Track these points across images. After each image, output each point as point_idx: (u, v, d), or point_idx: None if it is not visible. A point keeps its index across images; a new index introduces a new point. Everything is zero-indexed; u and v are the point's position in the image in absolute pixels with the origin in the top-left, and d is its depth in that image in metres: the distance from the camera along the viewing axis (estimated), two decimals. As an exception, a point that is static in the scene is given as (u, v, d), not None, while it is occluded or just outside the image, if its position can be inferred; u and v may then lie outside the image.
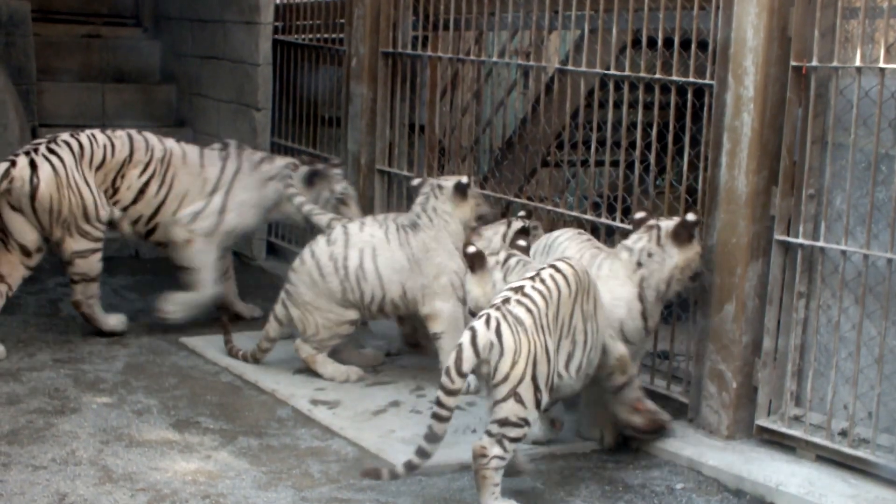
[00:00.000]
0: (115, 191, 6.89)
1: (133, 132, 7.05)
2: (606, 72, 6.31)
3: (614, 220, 6.25)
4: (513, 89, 8.20)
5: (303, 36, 8.98)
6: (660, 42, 5.91)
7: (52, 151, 6.69)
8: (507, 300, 4.71)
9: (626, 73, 6.14)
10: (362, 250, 6.21)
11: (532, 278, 4.83)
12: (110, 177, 6.86)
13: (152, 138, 7.08)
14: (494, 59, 7.63)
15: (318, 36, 8.78)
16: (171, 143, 7.15)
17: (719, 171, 5.50)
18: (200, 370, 6.46)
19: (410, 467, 4.65)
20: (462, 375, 4.53)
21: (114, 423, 5.57)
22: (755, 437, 5.47)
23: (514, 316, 4.66)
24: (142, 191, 6.93)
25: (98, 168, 6.80)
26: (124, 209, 6.94)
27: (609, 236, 6.32)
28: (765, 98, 5.32)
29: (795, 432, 5.31)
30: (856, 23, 5.18)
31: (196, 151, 7.19)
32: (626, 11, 6.17)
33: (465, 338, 4.57)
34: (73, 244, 6.74)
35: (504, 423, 4.62)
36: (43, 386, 6.04)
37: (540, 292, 4.76)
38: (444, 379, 4.53)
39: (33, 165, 6.62)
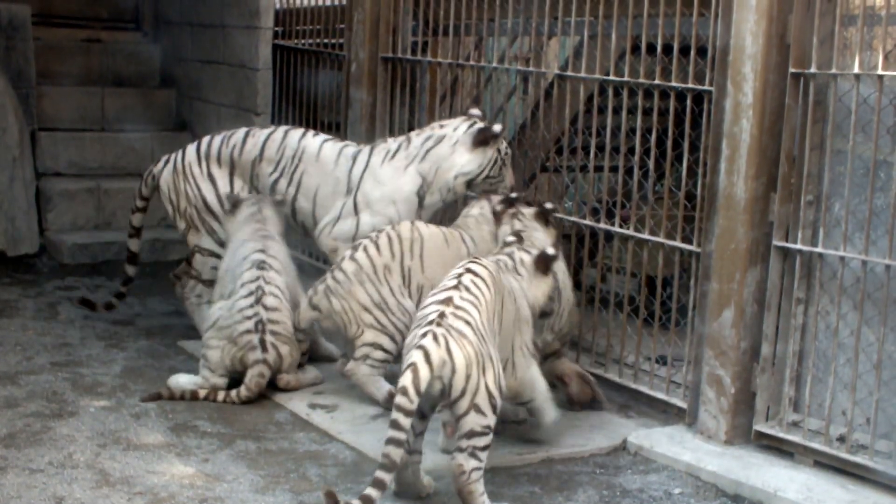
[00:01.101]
0: None
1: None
2: (606, 77, 6.32)
3: (613, 225, 6.26)
4: (512, 95, 8.20)
5: (303, 41, 8.99)
6: (659, 48, 5.92)
7: None
8: (443, 315, 4.67)
9: (626, 78, 6.15)
10: None
11: (456, 287, 4.83)
12: None
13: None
14: (494, 64, 7.63)
15: (318, 41, 8.79)
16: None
17: (718, 177, 5.50)
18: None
19: (367, 501, 4.40)
20: (419, 395, 4.46)
21: (111, 427, 5.56)
22: (753, 442, 5.47)
23: (457, 329, 4.63)
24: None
25: None
26: None
27: (608, 241, 6.33)
28: (763, 104, 5.33)
29: (794, 438, 5.31)
30: (854, 30, 5.18)
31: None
32: (625, 17, 6.17)
33: (419, 356, 4.51)
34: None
35: (471, 435, 4.63)
36: (40, 389, 6.04)
37: (470, 301, 4.77)
38: (400, 399, 4.44)
39: None
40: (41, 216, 9.05)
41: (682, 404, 5.80)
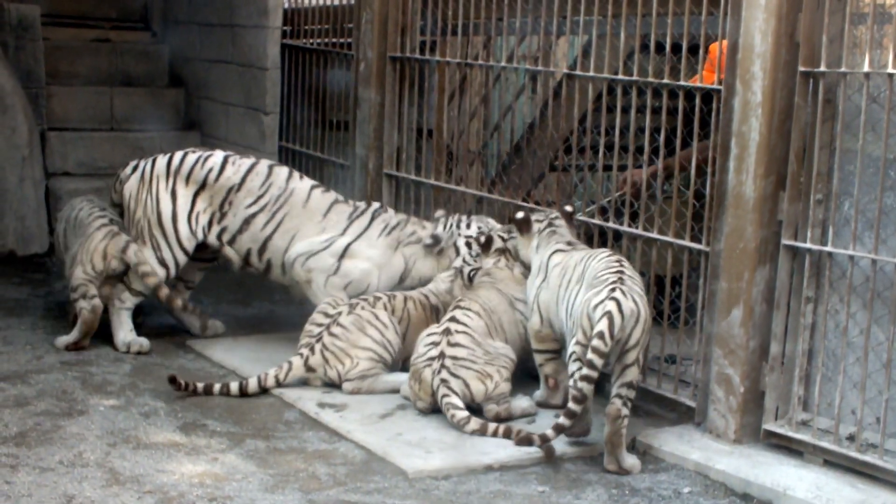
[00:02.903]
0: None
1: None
2: (614, 77, 6.32)
3: (621, 224, 6.25)
4: (521, 94, 8.20)
5: (311, 40, 8.99)
6: (668, 47, 5.92)
7: None
8: (621, 278, 5.37)
9: (634, 77, 6.14)
10: None
11: (610, 256, 5.65)
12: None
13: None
14: (503, 63, 7.63)
15: (327, 40, 8.79)
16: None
17: (727, 175, 5.50)
18: (207, 372, 6.47)
19: (559, 429, 5.29)
20: (613, 340, 5.18)
21: (121, 426, 5.58)
22: (763, 441, 5.47)
23: (636, 290, 5.37)
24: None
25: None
26: None
27: (616, 241, 6.33)
28: (773, 103, 5.32)
29: (803, 437, 5.30)
30: (864, 28, 5.18)
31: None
32: (634, 16, 6.17)
33: (612, 306, 5.21)
34: None
35: (630, 386, 5.30)
36: (50, 388, 6.05)
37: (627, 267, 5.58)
38: (597, 342, 5.16)
39: None
40: (51, 216, 9.06)
41: (691, 403, 5.79)
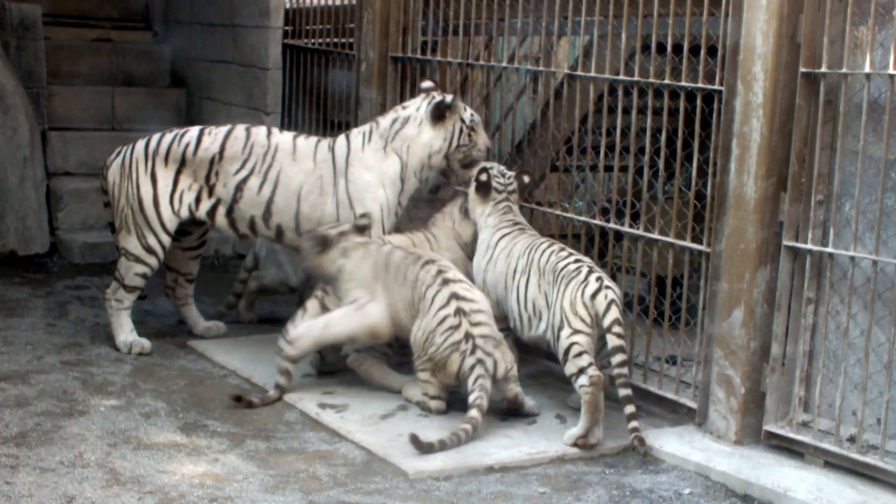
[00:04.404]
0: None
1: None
2: (616, 77, 6.32)
3: (623, 225, 6.25)
4: (522, 94, 8.19)
5: (312, 40, 8.99)
6: (669, 48, 5.91)
7: None
8: (583, 264, 5.80)
9: (636, 78, 6.14)
10: None
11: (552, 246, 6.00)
12: None
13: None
14: (504, 64, 7.63)
15: (328, 40, 8.80)
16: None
17: (728, 176, 5.50)
18: (208, 373, 6.47)
19: (634, 416, 5.59)
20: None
21: (122, 426, 5.58)
22: (763, 442, 5.47)
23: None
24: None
25: None
26: None
27: (618, 242, 6.33)
28: (774, 104, 5.32)
29: (804, 438, 5.30)
30: (865, 29, 5.17)
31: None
32: (635, 17, 6.17)
33: (612, 294, 5.65)
34: None
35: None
36: (51, 388, 6.06)
37: None
38: (619, 329, 5.58)
39: None
40: (52, 216, 9.08)
41: (692, 404, 5.79)
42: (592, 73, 6.48)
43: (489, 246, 6.23)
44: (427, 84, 6.78)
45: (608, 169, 6.56)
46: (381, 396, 6.10)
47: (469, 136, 6.58)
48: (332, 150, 6.62)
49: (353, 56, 8.12)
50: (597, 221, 6.44)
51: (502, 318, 6.14)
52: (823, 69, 5.21)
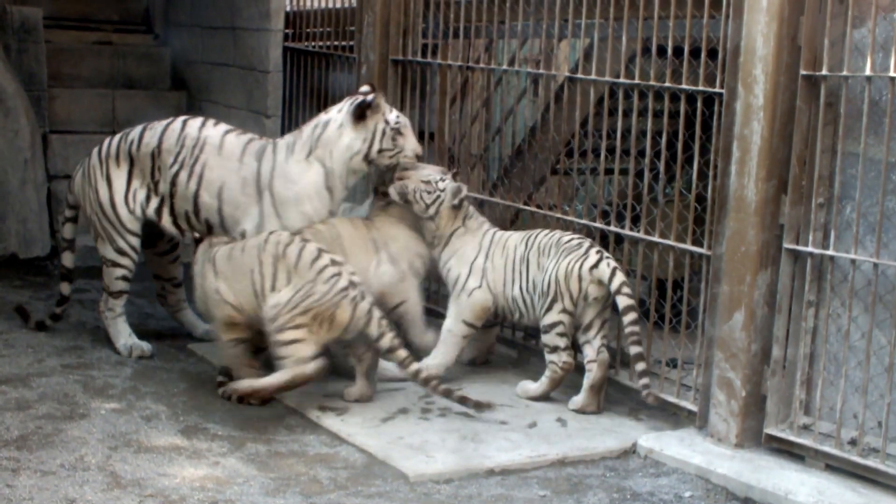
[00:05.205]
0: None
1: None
2: (616, 80, 6.32)
3: (623, 228, 6.25)
4: (522, 97, 8.19)
5: (313, 43, 8.99)
6: (669, 50, 5.91)
7: None
8: (584, 240, 6.16)
9: (636, 81, 6.14)
10: None
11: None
12: None
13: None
14: (504, 66, 7.63)
15: (329, 43, 8.80)
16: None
17: (729, 179, 5.50)
18: (209, 376, 6.46)
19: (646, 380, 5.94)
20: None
21: (122, 429, 5.57)
22: (764, 445, 5.46)
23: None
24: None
25: None
26: None
27: (618, 245, 6.32)
28: (774, 106, 5.32)
29: (805, 441, 5.30)
30: (866, 31, 5.17)
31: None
32: (635, 20, 6.16)
33: (614, 263, 5.98)
34: None
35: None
36: (52, 391, 6.05)
37: None
38: (628, 290, 5.92)
39: None
40: (52, 219, 9.06)
41: (693, 407, 5.78)
42: (593, 76, 6.48)
43: (482, 247, 6.38)
44: (364, 87, 6.66)
45: (608, 172, 6.56)
46: (382, 400, 6.10)
47: (393, 139, 6.37)
48: (258, 159, 6.44)
49: (354, 59, 8.12)
50: (597, 224, 6.44)
51: (493, 316, 6.44)
52: (824, 71, 5.21)
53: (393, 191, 6.41)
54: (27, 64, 9.34)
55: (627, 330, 5.85)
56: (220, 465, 5.20)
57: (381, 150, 6.37)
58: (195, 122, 6.66)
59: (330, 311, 5.75)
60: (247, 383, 5.92)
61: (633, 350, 5.84)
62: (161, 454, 5.28)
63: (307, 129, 6.51)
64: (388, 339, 5.81)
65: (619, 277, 5.90)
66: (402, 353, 5.86)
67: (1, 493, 4.75)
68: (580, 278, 5.96)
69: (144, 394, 6.10)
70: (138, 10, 10.80)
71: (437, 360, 6.29)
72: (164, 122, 6.68)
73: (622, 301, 5.86)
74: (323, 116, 6.53)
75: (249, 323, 5.98)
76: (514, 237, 6.38)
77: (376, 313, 5.79)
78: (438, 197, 6.38)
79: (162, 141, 6.57)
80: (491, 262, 6.33)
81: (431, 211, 6.40)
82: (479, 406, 5.83)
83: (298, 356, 5.76)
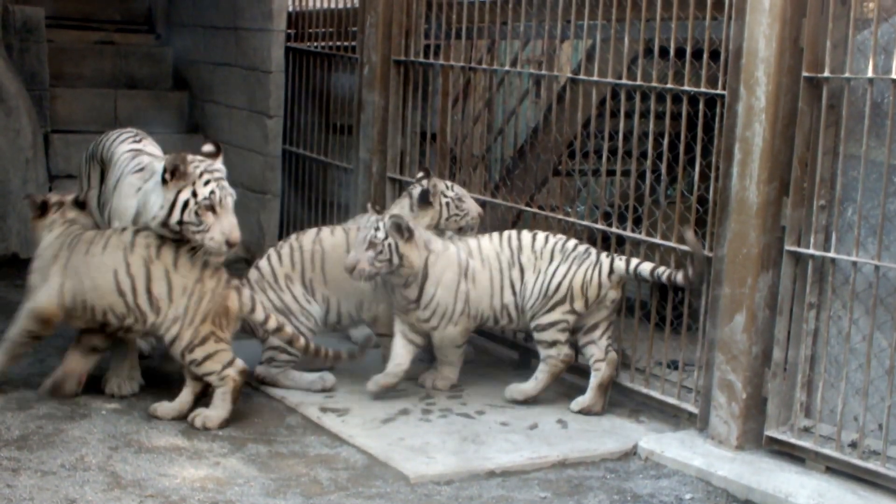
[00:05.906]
0: None
1: None
2: (618, 81, 6.32)
3: (625, 229, 6.25)
4: (525, 98, 8.20)
5: (315, 43, 8.99)
6: (672, 52, 5.91)
7: None
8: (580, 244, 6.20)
9: (638, 82, 6.14)
10: None
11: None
12: None
13: None
14: (507, 67, 7.63)
15: (331, 44, 8.79)
16: None
17: (730, 181, 5.49)
18: (210, 377, 6.47)
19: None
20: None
21: (123, 429, 5.58)
22: (765, 447, 5.46)
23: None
24: None
25: None
26: None
27: (620, 246, 6.32)
28: (776, 108, 5.31)
29: (805, 443, 5.29)
30: (868, 33, 5.17)
31: None
32: (637, 21, 6.16)
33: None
34: None
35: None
36: (53, 391, 6.06)
37: None
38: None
39: None
40: (53, 218, 9.06)
41: (694, 409, 5.78)
42: (595, 77, 6.48)
43: (460, 267, 6.17)
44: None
45: (610, 173, 6.56)
46: (383, 401, 6.10)
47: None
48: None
49: (356, 59, 8.12)
50: (599, 226, 6.44)
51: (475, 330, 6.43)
52: (826, 73, 5.21)
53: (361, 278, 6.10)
54: (29, 63, 9.34)
55: (662, 270, 5.91)
56: (220, 465, 5.20)
57: (181, 222, 5.60)
58: (121, 135, 6.52)
59: (221, 305, 5.70)
60: (199, 421, 5.73)
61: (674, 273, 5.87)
62: (162, 454, 5.28)
63: (155, 165, 5.92)
64: (274, 320, 5.87)
65: (633, 260, 6.01)
66: (288, 329, 5.94)
67: (1, 493, 4.75)
68: (600, 286, 6.03)
69: (145, 394, 6.10)
70: (140, 9, 10.80)
71: (450, 377, 6.39)
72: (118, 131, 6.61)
73: (645, 267, 5.97)
74: (157, 165, 5.86)
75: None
76: (487, 245, 6.22)
77: (260, 296, 6.04)
78: (390, 246, 5.97)
79: (111, 149, 6.42)
80: (472, 283, 6.16)
81: (395, 263, 5.99)
82: (352, 356, 6.12)
83: (223, 363, 5.72)
